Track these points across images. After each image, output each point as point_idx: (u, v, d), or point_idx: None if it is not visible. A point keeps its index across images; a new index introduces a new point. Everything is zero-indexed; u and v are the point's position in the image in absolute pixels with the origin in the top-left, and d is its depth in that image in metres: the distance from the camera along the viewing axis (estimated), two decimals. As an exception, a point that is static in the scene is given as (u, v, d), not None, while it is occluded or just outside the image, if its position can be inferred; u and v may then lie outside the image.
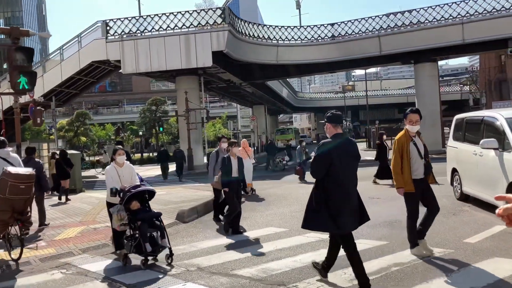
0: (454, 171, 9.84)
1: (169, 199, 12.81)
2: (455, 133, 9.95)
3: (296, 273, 5.40)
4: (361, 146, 48.64)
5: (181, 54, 26.18)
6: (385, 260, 5.63)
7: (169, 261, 6.15)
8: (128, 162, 7.02)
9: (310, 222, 4.74)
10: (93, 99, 75.54)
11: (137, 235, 6.17)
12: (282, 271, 5.49)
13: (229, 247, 7.03)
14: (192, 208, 9.97)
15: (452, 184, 10.05)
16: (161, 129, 31.31)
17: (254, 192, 13.45)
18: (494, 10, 27.27)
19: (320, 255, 6.07)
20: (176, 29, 26.57)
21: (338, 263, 5.59)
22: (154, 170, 28.34)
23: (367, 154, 34.28)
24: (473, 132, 8.90)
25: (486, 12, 27.48)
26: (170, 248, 6.24)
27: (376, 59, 31.08)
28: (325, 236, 7.10)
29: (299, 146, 17.88)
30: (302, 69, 33.56)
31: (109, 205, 6.81)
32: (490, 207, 8.20)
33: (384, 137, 14.69)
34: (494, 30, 26.98)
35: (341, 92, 77.11)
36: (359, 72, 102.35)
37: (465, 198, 9.43)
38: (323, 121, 4.84)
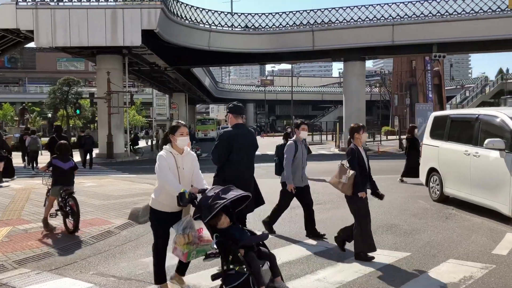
0: (431, 171, 9.37)
1: (105, 193, 11.03)
2: (434, 131, 9.47)
3: (335, 299, 4.27)
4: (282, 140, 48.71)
5: (106, 29, 23.58)
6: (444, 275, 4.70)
7: None
8: (188, 148, 4.30)
9: None
10: (-12, 75, 67.56)
11: (232, 272, 3.65)
12: (315, 296, 4.33)
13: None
14: (146, 206, 8.34)
15: (427, 184, 9.58)
16: (77, 111, 28.23)
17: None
18: (423, 15, 28.30)
19: (343, 271, 5.03)
20: (102, 1, 23.91)
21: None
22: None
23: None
24: (463, 130, 8.42)
25: (415, 16, 28.42)
26: None
27: (308, 54, 30.81)
28: (333, 244, 6.07)
29: None
30: (233, 58, 32.30)
31: (157, 214, 4.26)
32: (481, 211, 7.76)
33: (416, 131, 12.84)
34: (421, 34, 27.99)
35: (262, 85, 77.16)
36: (278, 67, 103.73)
37: (443, 199, 8.99)
38: (225, 112, 5.22)
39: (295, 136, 6.76)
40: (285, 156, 6.56)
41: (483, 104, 65.96)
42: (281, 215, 6.91)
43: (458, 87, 73.22)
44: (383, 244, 6.14)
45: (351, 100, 30.88)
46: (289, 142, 6.73)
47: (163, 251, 4.27)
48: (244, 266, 3.56)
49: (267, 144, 41.40)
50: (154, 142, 32.21)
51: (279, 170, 6.99)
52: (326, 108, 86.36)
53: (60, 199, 7.16)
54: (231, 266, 3.66)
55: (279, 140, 8.52)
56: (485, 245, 5.96)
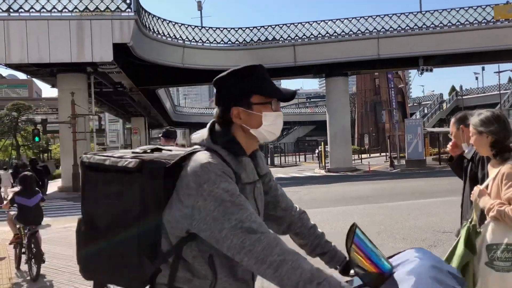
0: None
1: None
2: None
3: None
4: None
5: (71, 44, 20.49)
6: None
7: None
8: None
9: None
10: None
11: None
12: None
13: None
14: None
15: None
16: (36, 139, 24.64)
17: None
18: (408, 28, 27.33)
19: None
20: (65, 12, 20.82)
21: None
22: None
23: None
24: None
25: (400, 28, 27.40)
26: None
27: (290, 70, 28.91)
28: None
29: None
30: (208, 76, 29.72)
31: None
32: None
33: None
34: (407, 47, 26.93)
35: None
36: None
37: None
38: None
39: None
40: None
41: (441, 120, 67.38)
42: None
43: (415, 104, 74.51)
44: None
45: (335, 118, 29.17)
46: None
47: None
48: None
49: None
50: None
51: None
52: (286, 129, 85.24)
53: (25, 241, 6.28)
54: None
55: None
56: None
